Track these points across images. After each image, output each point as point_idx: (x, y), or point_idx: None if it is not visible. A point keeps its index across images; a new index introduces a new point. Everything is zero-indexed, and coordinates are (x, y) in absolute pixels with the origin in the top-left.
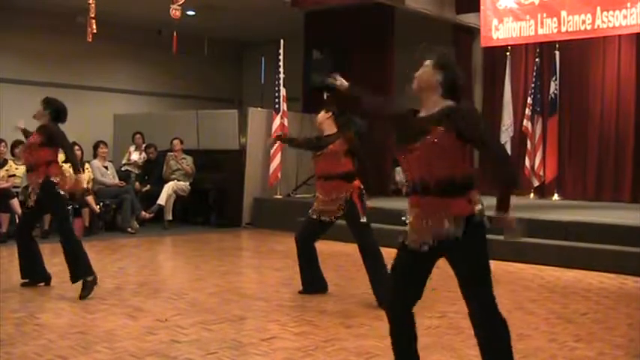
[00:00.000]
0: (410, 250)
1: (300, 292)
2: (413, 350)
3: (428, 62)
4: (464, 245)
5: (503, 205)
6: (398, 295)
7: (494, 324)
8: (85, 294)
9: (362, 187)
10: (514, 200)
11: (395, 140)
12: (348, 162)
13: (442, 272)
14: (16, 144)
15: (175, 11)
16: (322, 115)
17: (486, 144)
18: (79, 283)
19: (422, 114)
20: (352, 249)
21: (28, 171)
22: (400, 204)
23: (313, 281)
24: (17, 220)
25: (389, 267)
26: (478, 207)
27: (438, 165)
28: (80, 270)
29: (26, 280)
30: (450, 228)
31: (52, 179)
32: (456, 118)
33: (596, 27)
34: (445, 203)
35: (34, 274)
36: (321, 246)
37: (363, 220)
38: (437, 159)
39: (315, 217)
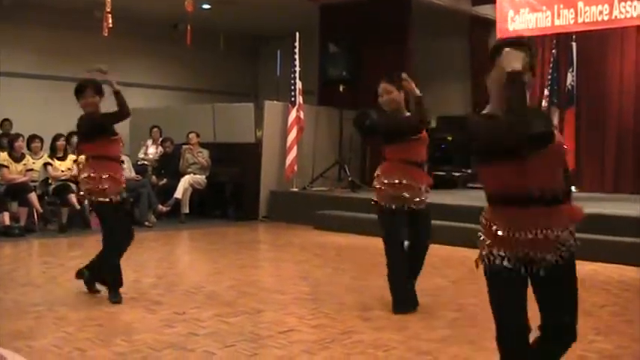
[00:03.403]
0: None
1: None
2: None
3: (524, 58)
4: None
5: None
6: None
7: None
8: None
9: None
10: None
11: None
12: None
13: (462, 266)
14: (32, 138)
15: (189, 4)
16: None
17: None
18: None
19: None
20: (369, 242)
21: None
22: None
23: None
24: (35, 215)
25: None
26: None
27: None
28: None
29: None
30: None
31: None
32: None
33: (613, 17)
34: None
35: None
36: (335, 238)
37: None
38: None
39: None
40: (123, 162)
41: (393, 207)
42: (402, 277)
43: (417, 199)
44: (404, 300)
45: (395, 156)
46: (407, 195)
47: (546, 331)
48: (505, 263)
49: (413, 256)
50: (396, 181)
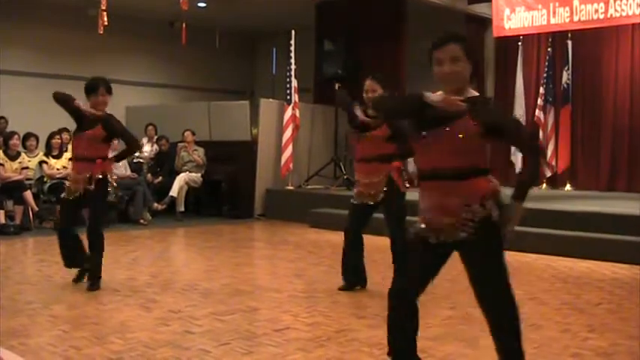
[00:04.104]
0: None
1: (340, 289)
2: (412, 342)
3: (457, 52)
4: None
5: (520, 194)
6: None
7: (518, 323)
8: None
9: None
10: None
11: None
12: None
13: (456, 263)
14: (27, 136)
15: (184, 2)
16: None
17: (520, 135)
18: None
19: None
20: (364, 240)
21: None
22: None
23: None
24: (30, 213)
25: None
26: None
27: (460, 152)
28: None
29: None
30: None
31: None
32: (484, 108)
33: (609, 16)
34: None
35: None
36: (330, 236)
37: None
38: (461, 147)
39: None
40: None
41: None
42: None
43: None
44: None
45: None
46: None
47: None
48: (416, 230)
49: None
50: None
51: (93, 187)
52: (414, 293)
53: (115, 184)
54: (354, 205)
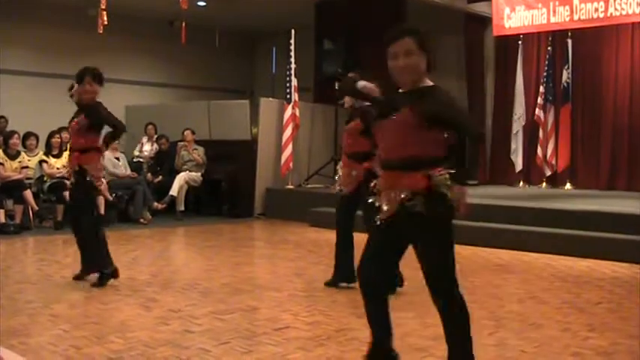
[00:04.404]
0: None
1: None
2: (386, 325)
3: (410, 46)
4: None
5: (460, 180)
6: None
7: (454, 302)
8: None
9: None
10: (527, 190)
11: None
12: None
13: (457, 263)
14: (27, 136)
15: (184, 2)
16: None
17: (459, 123)
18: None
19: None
20: (364, 239)
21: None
22: None
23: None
24: (30, 212)
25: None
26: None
27: (405, 143)
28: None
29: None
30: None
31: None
32: (426, 98)
33: (609, 15)
34: (403, 177)
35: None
36: (330, 235)
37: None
38: (404, 137)
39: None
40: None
41: None
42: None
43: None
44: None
45: None
46: None
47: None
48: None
49: None
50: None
51: (73, 180)
52: (380, 281)
53: (98, 176)
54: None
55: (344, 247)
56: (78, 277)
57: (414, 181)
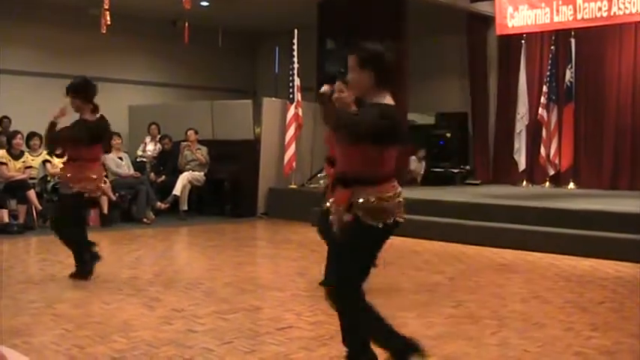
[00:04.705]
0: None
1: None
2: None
3: (353, 62)
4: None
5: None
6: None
7: (344, 302)
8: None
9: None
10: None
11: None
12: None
13: (458, 262)
14: (31, 136)
15: (187, 1)
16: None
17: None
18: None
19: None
20: None
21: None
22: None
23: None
24: (34, 212)
25: None
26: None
27: (349, 158)
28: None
29: None
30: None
31: None
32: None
33: (612, 14)
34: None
35: None
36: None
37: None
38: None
39: None
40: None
41: None
42: None
43: None
44: None
45: None
46: None
47: None
48: None
49: None
50: None
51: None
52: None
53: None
54: None
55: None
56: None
57: (342, 196)
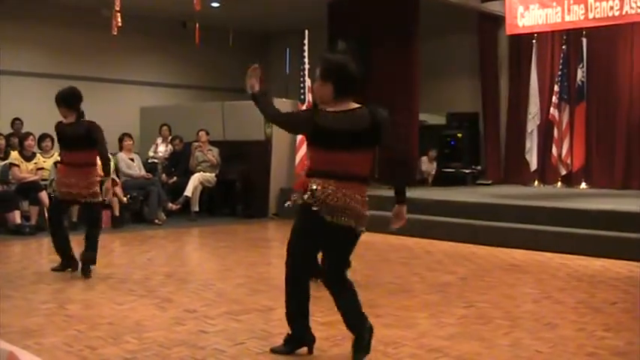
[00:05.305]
0: None
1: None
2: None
3: (317, 75)
4: None
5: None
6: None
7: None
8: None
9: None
10: (542, 189)
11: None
12: None
13: (469, 262)
14: (43, 137)
15: (197, 3)
16: None
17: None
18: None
19: None
20: (377, 239)
21: None
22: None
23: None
24: (46, 213)
25: None
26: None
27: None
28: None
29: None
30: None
31: None
32: None
33: (624, 13)
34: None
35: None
36: None
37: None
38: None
39: None
40: None
41: None
42: None
43: None
44: None
45: None
46: None
47: None
48: None
49: None
50: None
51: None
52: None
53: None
54: None
55: None
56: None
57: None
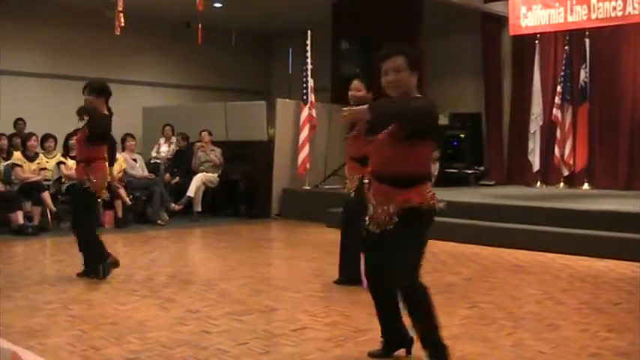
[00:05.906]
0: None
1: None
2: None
3: (401, 63)
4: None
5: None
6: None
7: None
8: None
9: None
10: (545, 190)
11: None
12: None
13: (473, 263)
14: (45, 138)
15: (200, 3)
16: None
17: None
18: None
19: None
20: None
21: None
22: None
23: (349, 270)
24: (48, 213)
25: None
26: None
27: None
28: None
29: None
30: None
31: None
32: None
33: (627, 14)
34: (395, 193)
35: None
36: None
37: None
38: (390, 151)
39: None
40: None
41: None
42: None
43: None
44: None
45: None
46: None
47: None
48: None
49: None
50: None
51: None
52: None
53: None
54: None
55: (346, 247)
56: (81, 274)
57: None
